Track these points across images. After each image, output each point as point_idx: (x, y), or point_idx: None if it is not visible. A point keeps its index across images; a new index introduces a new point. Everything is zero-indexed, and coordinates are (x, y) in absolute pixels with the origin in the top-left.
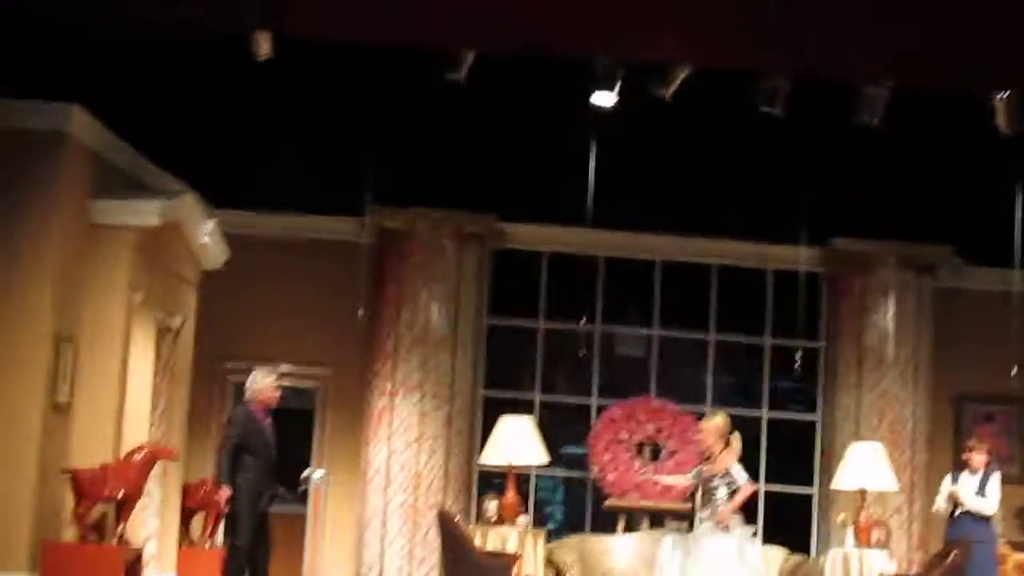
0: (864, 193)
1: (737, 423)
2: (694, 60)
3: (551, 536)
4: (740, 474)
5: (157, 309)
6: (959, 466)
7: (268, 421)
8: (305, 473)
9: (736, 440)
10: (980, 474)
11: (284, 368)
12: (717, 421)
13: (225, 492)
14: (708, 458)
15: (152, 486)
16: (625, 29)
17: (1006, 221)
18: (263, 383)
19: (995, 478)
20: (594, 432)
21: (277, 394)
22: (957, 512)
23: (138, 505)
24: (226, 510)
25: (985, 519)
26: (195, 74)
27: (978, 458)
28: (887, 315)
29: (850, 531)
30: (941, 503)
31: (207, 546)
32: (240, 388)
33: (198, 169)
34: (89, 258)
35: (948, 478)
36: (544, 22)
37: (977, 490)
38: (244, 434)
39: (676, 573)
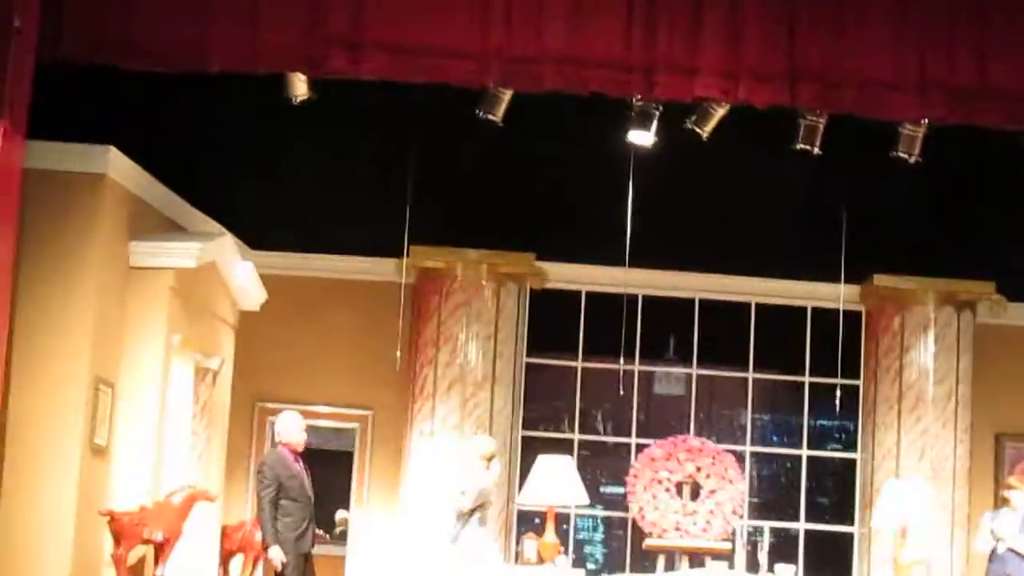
0: (904, 230)
1: (777, 461)
2: (731, 99)
3: None
4: (472, 484)
5: (195, 351)
6: (1000, 504)
7: (302, 463)
8: (341, 514)
9: (495, 464)
10: (1021, 512)
11: (324, 409)
12: (477, 443)
13: (274, 553)
14: None
15: (191, 528)
16: (661, 69)
17: None
18: (290, 427)
19: None
20: (633, 471)
21: (304, 437)
22: (999, 549)
23: (177, 547)
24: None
25: None
26: (232, 115)
27: (1018, 496)
28: (927, 352)
29: (891, 569)
30: (982, 541)
31: None
32: None
33: (235, 210)
34: (127, 301)
35: (988, 515)
36: (580, 63)
37: (1020, 528)
38: (278, 480)
39: None
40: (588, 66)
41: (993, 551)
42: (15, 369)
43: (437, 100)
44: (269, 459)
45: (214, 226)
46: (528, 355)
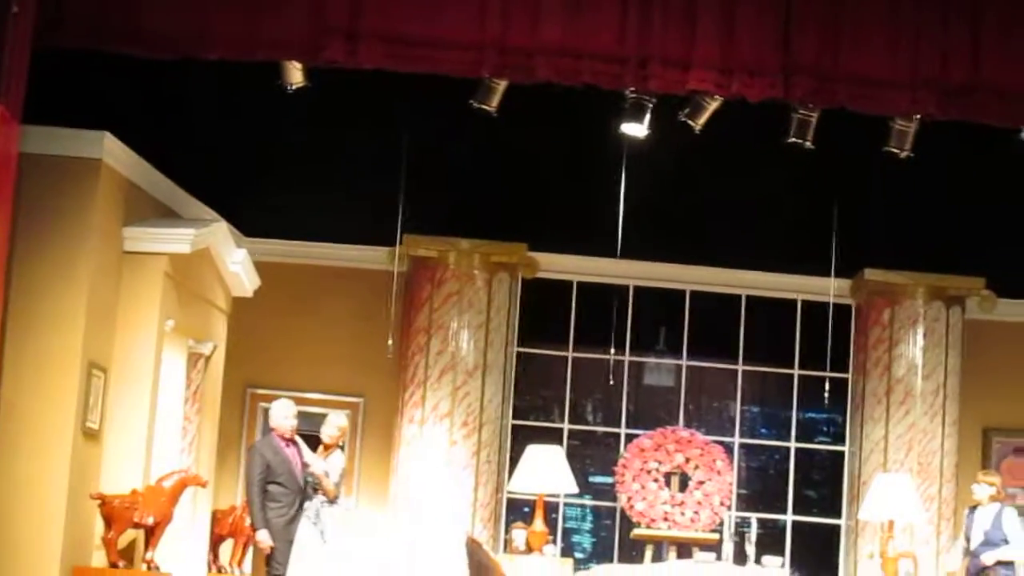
0: (894, 224)
1: (765, 453)
2: (725, 93)
3: (579, 565)
4: (334, 465)
5: (188, 336)
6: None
7: (292, 449)
8: None
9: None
10: (994, 509)
11: (316, 396)
12: (335, 423)
13: (262, 536)
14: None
15: (181, 512)
16: (655, 62)
17: None
18: (277, 414)
19: (1009, 514)
20: (623, 461)
21: (291, 424)
22: (972, 545)
23: (167, 531)
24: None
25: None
26: (228, 103)
27: (980, 491)
28: (916, 346)
29: (878, 563)
30: (959, 550)
31: (236, 573)
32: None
33: (230, 198)
34: (121, 285)
35: (967, 514)
36: (574, 55)
37: (990, 527)
38: (267, 464)
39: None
40: (582, 58)
41: (968, 549)
42: (9, 353)
43: (432, 90)
44: (259, 444)
45: (208, 212)
46: (519, 344)
